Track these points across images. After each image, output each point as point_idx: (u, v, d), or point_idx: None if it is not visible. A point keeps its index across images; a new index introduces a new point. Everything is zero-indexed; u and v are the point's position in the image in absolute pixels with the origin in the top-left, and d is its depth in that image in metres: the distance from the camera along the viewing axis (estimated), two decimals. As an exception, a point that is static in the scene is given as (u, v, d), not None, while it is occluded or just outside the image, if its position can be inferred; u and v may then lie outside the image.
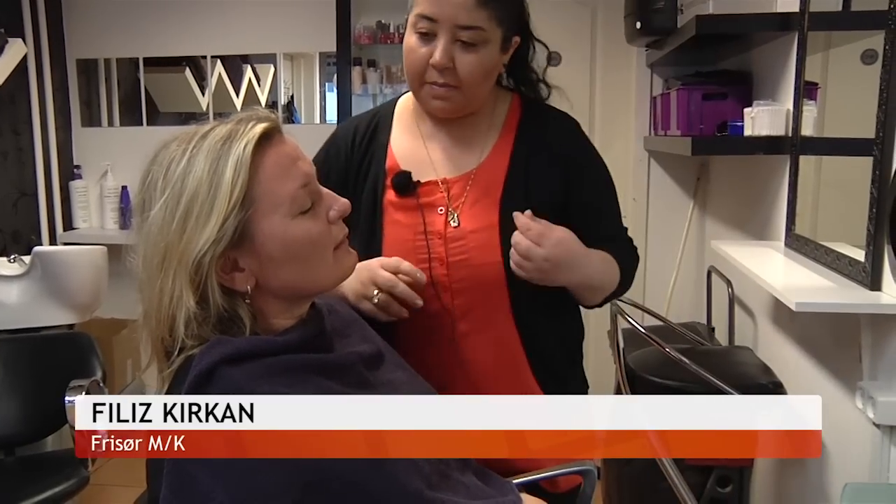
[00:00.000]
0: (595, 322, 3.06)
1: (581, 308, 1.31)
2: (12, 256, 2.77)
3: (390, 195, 1.21)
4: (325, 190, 0.94)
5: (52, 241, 3.57)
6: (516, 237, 1.10)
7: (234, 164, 0.84)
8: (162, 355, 0.90)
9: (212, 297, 0.85)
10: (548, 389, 1.21)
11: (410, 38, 1.15)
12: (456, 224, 1.18)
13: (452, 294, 1.17)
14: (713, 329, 2.62)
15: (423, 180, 1.21)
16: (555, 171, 1.21)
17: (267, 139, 0.88)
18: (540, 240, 1.08)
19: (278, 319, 0.92)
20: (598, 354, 3.20)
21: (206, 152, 0.85)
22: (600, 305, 1.28)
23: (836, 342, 1.66)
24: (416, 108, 1.27)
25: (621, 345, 2.32)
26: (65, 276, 2.66)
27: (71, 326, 2.74)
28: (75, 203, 3.72)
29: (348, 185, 1.24)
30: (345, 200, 0.96)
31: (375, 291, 1.12)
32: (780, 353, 2.00)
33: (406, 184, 1.20)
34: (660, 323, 2.42)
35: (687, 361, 1.76)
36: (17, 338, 2.46)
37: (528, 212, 1.12)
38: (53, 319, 2.66)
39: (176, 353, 0.87)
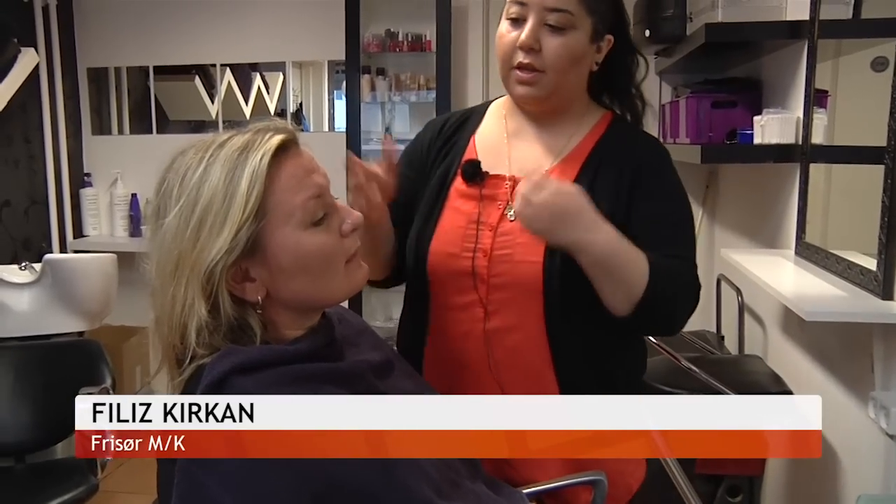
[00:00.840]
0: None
1: (641, 340, 1.28)
2: (23, 264, 2.78)
3: (458, 182, 1.22)
4: (339, 203, 0.95)
5: (63, 249, 3.60)
6: (520, 184, 1.07)
7: (250, 175, 0.85)
8: (173, 362, 0.90)
9: (223, 306, 0.85)
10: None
11: (502, 25, 1.18)
12: (513, 218, 1.16)
13: (489, 288, 1.16)
14: (723, 337, 2.61)
15: (492, 172, 1.21)
16: (624, 185, 1.17)
17: (283, 151, 0.88)
18: (542, 185, 1.05)
19: (289, 329, 0.92)
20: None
21: (223, 162, 0.86)
22: (637, 325, 1.14)
23: (847, 351, 1.65)
24: (507, 108, 1.28)
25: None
26: (75, 283, 2.67)
27: (81, 334, 2.75)
28: (86, 210, 3.74)
29: (425, 169, 1.27)
30: (358, 214, 0.96)
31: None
32: (790, 362, 1.99)
33: (474, 172, 1.21)
34: (669, 331, 2.41)
35: (697, 370, 1.75)
36: (28, 345, 2.47)
37: (542, 170, 1.11)
38: (63, 327, 2.67)
39: (187, 361, 0.87)
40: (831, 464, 1.73)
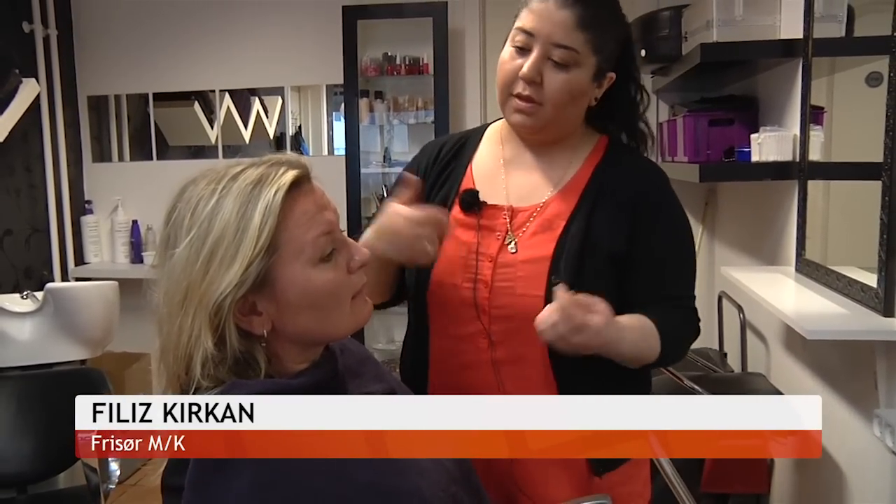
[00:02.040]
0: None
1: (647, 372, 1.27)
2: (25, 293, 2.78)
3: (456, 211, 1.22)
4: (348, 239, 0.95)
5: (64, 276, 3.60)
6: (552, 318, 1.03)
7: (263, 211, 0.84)
8: (178, 392, 0.89)
9: (229, 340, 0.85)
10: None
11: (506, 51, 1.18)
12: (514, 251, 1.17)
13: (491, 319, 1.16)
14: (725, 355, 2.60)
15: (490, 202, 1.21)
16: (624, 216, 1.17)
17: (297, 186, 0.88)
18: (581, 329, 1.03)
19: (292, 363, 0.91)
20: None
21: (236, 195, 0.85)
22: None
23: (850, 369, 1.64)
24: (504, 133, 1.28)
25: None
26: (77, 311, 2.67)
27: (83, 362, 2.74)
28: (86, 238, 3.75)
29: (422, 194, 1.24)
30: (365, 251, 0.95)
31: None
32: (793, 380, 1.99)
33: (472, 202, 1.21)
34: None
35: (700, 390, 1.74)
36: (30, 374, 2.46)
37: (563, 287, 1.06)
38: (66, 355, 2.66)
39: (191, 392, 0.87)
40: (837, 482, 1.72)
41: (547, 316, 1.03)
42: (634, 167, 1.22)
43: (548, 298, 1.12)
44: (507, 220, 1.19)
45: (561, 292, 1.04)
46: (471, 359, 1.17)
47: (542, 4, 1.13)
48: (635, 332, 1.12)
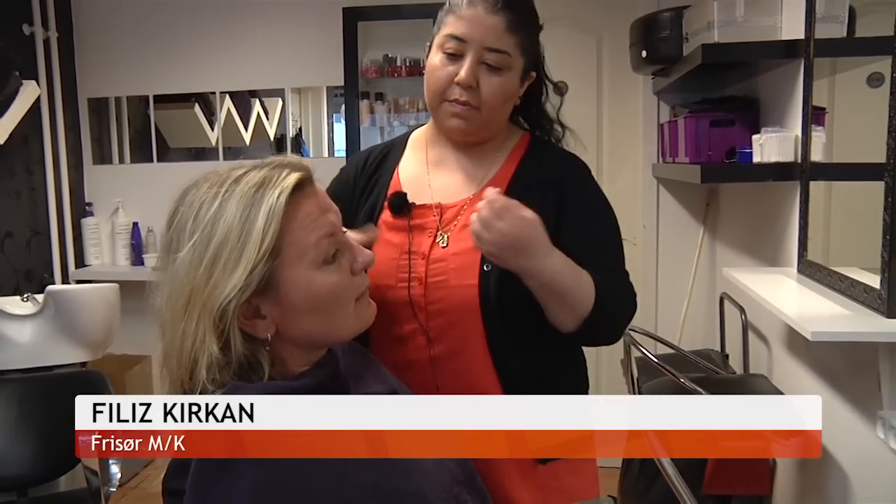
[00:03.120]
0: (608, 352, 3.06)
1: (580, 350, 1.29)
2: (25, 295, 2.78)
3: (386, 215, 1.24)
4: (351, 241, 0.94)
5: (65, 279, 3.60)
6: (480, 206, 1.07)
7: (267, 214, 0.84)
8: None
9: (233, 343, 0.84)
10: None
11: (435, 58, 1.21)
12: (445, 245, 1.20)
13: (428, 315, 1.18)
14: (727, 356, 2.59)
15: (418, 202, 1.24)
16: (548, 204, 1.19)
17: (299, 189, 0.88)
18: (503, 213, 1.05)
19: (296, 365, 0.91)
20: (611, 384, 3.18)
21: (239, 198, 0.85)
22: (582, 338, 1.18)
23: (853, 370, 1.64)
24: (428, 138, 1.31)
25: (635, 374, 2.31)
26: (77, 314, 2.66)
27: (84, 364, 2.74)
28: (87, 240, 3.75)
29: (352, 206, 1.28)
30: (369, 252, 0.96)
31: None
32: (796, 382, 1.98)
33: (401, 204, 1.23)
34: (672, 351, 2.40)
35: (701, 391, 1.74)
36: (31, 377, 2.46)
37: (499, 189, 1.10)
38: (66, 358, 2.65)
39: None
40: (840, 484, 1.72)
41: (476, 212, 1.07)
42: (556, 159, 1.27)
43: (481, 287, 1.15)
44: (437, 217, 1.22)
45: (489, 190, 1.07)
46: (411, 357, 1.19)
47: (472, 11, 1.16)
48: (570, 266, 1.12)
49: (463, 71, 1.16)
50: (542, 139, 1.31)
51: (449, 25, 1.19)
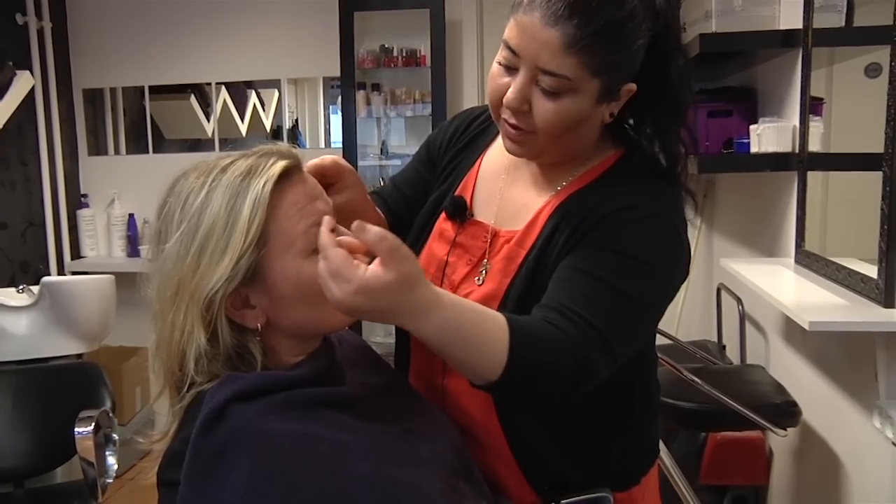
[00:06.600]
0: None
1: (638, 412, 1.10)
2: (21, 287, 2.77)
3: (444, 216, 1.09)
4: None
5: (60, 270, 3.59)
6: (320, 257, 0.79)
7: (252, 203, 0.83)
8: (173, 388, 0.89)
9: (221, 335, 0.84)
10: (530, 473, 1.03)
11: (494, 66, 0.96)
12: (480, 282, 1.02)
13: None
14: (724, 347, 2.60)
15: (477, 216, 1.06)
16: (572, 242, 0.95)
17: (286, 177, 0.86)
18: (335, 277, 0.77)
19: (289, 355, 0.91)
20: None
21: (225, 188, 0.84)
22: (504, 400, 0.95)
23: (850, 360, 1.64)
24: None
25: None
26: (73, 305, 2.66)
27: (80, 356, 2.73)
28: (83, 232, 3.74)
29: (436, 170, 1.14)
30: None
31: None
32: (793, 372, 1.98)
33: (457, 211, 1.07)
34: (669, 342, 2.40)
35: (700, 382, 1.74)
36: (26, 369, 2.45)
37: (349, 238, 0.83)
38: (62, 349, 2.66)
39: (185, 388, 0.86)
40: (837, 473, 1.72)
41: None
42: (624, 189, 0.97)
43: None
44: (486, 244, 1.03)
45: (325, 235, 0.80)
46: (426, 383, 1.09)
47: (528, 17, 0.90)
48: (465, 310, 0.82)
49: (511, 91, 0.92)
50: (634, 163, 1.01)
51: (508, 28, 0.93)
